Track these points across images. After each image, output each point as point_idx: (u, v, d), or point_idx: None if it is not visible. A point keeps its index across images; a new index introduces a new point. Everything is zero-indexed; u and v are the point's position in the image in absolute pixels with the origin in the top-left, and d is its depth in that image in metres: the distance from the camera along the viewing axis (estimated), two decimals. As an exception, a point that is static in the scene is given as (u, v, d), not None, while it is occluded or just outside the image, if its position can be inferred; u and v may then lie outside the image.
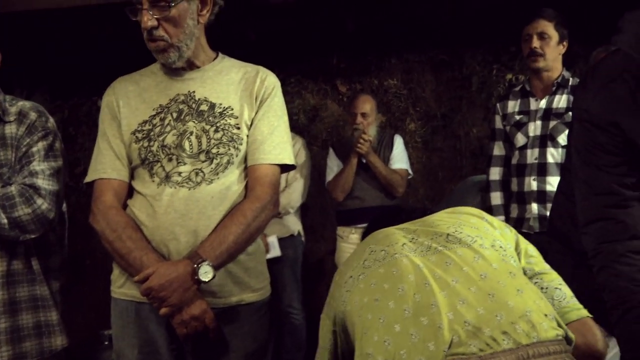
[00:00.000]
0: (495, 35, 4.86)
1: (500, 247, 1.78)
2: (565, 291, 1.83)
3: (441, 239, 1.78)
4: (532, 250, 1.90)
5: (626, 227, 1.87)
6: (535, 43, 3.55)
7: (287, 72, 5.34)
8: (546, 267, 1.88)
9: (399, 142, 4.59)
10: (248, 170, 2.22)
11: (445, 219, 1.90)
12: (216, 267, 2.05)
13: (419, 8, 5.00)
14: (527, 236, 2.18)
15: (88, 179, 2.26)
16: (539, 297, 1.64)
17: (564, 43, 3.61)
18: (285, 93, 2.36)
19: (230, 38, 4.14)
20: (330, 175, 4.58)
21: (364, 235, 2.10)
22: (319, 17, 5.02)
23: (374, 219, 2.15)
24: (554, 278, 1.85)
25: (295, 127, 5.30)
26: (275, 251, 4.44)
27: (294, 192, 4.57)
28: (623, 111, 1.91)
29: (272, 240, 4.45)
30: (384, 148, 4.55)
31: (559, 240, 2.40)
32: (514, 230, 1.94)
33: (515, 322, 1.55)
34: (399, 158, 4.54)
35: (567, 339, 1.64)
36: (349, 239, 4.50)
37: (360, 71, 5.45)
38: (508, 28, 3.71)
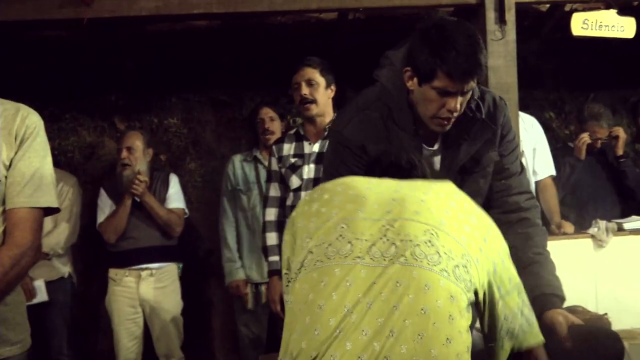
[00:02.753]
0: (274, 79, 5.01)
1: (464, 267, 1.69)
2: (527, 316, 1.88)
3: (409, 248, 1.66)
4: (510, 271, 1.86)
5: None
6: (305, 90, 3.69)
7: (61, 108, 5.12)
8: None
9: (174, 182, 4.56)
10: (6, 215, 2.08)
11: (434, 209, 1.76)
12: None
13: (201, 48, 5.06)
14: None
15: None
16: (465, 350, 1.60)
17: (332, 87, 3.78)
18: (59, 129, 2.26)
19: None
20: (101, 217, 4.43)
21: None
22: (97, 54, 4.91)
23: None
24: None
25: (70, 165, 5.10)
26: (42, 296, 4.20)
27: (63, 232, 4.38)
28: (371, 135, 2.14)
29: (39, 284, 4.22)
30: (160, 187, 4.49)
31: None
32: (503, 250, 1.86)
33: None
34: (176, 197, 4.51)
35: None
36: (122, 281, 4.37)
37: (139, 109, 5.36)
38: (287, 73, 3.84)
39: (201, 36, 4.85)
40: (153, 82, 5.26)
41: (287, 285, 1.81)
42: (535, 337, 1.88)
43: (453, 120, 2.15)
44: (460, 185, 2.18)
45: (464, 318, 1.62)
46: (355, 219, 1.72)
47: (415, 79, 2.13)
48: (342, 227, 1.70)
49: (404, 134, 2.20)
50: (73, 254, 4.64)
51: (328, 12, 4.45)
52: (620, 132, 4.60)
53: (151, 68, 5.19)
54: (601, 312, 2.16)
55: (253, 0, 3.85)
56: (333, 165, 2.26)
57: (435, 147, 2.26)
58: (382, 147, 2.16)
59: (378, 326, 1.54)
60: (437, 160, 2.26)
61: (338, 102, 3.86)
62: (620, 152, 4.58)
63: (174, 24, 4.71)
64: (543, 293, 2.15)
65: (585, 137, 4.53)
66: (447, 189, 1.84)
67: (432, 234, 1.68)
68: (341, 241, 1.68)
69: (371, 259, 1.64)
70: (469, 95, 2.14)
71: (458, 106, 2.10)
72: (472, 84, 2.09)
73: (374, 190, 1.79)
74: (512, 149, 2.33)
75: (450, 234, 1.70)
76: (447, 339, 1.56)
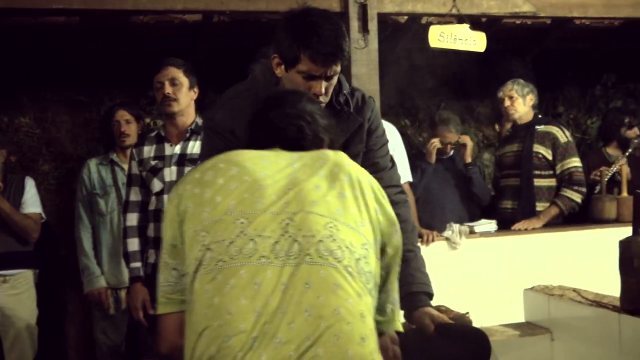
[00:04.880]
0: (135, 79, 4.89)
1: (365, 259, 1.68)
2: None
3: (312, 245, 1.61)
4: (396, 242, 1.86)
5: None
6: (168, 89, 3.63)
7: None
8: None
9: (30, 185, 4.35)
10: None
11: (330, 196, 1.71)
12: None
13: (57, 45, 4.85)
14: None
15: None
16: (376, 347, 1.60)
17: (195, 89, 3.74)
18: None
19: None
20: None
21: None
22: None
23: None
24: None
25: None
26: None
27: None
28: (240, 121, 2.16)
29: None
30: (14, 191, 4.27)
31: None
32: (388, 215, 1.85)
33: None
34: (32, 202, 4.30)
35: None
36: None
37: (-13, 107, 5.08)
38: (148, 73, 3.76)
39: (58, 32, 4.65)
40: (3, 78, 4.99)
41: (169, 274, 1.74)
42: (399, 324, 1.92)
43: (322, 105, 2.21)
44: None
45: (371, 314, 1.63)
46: (255, 212, 1.65)
47: (282, 66, 2.19)
48: (242, 223, 1.62)
49: None
50: None
51: (193, 13, 4.41)
52: (468, 140, 4.86)
53: (1, 63, 4.92)
54: (462, 311, 2.26)
55: (116, -2, 3.76)
56: (205, 153, 2.28)
57: None
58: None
59: (292, 332, 1.51)
60: None
61: (200, 105, 3.84)
62: (468, 159, 4.83)
63: (28, 18, 4.48)
64: (412, 291, 2.23)
65: (435, 142, 4.77)
66: (339, 161, 1.80)
67: (332, 227, 1.65)
68: (243, 238, 1.61)
69: (276, 258, 1.59)
70: (334, 81, 2.23)
71: (323, 90, 2.18)
72: (336, 68, 2.18)
73: (270, 176, 1.72)
74: (382, 144, 2.42)
75: (349, 224, 1.67)
76: (362, 338, 1.55)
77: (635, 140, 5.15)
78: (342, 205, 1.69)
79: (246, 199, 1.67)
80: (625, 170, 4.78)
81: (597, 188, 4.80)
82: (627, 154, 5.02)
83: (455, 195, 4.87)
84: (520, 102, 4.65)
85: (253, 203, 1.66)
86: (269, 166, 1.75)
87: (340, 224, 1.66)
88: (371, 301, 1.65)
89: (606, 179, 4.77)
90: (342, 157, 1.83)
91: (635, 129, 5.23)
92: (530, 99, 4.69)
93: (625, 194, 4.71)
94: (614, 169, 4.85)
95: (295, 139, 1.87)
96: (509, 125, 5.15)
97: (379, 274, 1.74)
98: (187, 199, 1.72)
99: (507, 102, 4.67)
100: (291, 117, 1.88)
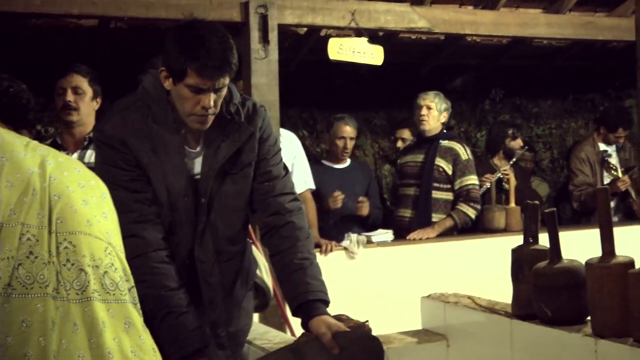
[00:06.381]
0: (27, 84, 4.72)
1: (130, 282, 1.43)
2: None
3: (98, 277, 1.34)
4: None
5: (147, 241, 2.17)
6: (70, 97, 3.53)
7: None
8: None
9: None
10: None
11: (96, 212, 1.41)
12: None
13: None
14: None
15: None
16: None
17: (98, 100, 3.65)
18: None
19: None
20: None
21: None
22: None
23: None
24: None
25: None
26: None
27: None
28: (132, 132, 2.18)
29: None
30: None
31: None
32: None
33: None
34: None
35: None
36: None
37: None
38: (41, 78, 3.64)
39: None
40: None
41: None
42: None
43: (211, 118, 2.21)
44: (221, 185, 2.29)
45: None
46: (31, 226, 1.30)
47: (170, 79, 2.17)
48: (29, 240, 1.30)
49: (165, 133, 2.23)
50: None
51: (89, 18, 4.30)
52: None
53: None
54: (362, 320, 2.30)
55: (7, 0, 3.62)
56: (100, 167, 2.23)
57: (198, 148, 2.31)
58: (140, 142, 2.20)
59: None
60: (198, 161, 2.30)
61: (99, 115, 3.75)
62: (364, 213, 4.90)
63: None
64: (309, 300, 2.25)
65: None
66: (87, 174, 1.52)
67: (110, 253, 1.39)
68: (27, 262, 1.28)
69: (55, 290, 1.29)
70: (223, 93, 2.22)
71: (212, 103, 2.16)
72: (224, 81, 2.17)
73: (36, 180, 1.35)
74: (274, 153, 2.43)
75: (116, 246, 1.43)
76: None
77: (519, 151, 5.41)
78: (109, 222, 1.45)
79: (24, 211, 1.33)
80: (513, 182, 5.00)
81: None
82: (511, 162, 5.27)
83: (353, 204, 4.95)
84: (435, 115, 4.75)
85: (33, 217, 1.34)
86: (31, 161, 1.39)
87: (113, 248, 1.42)
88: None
89: (488, 185, 4.97)
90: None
91: (519, 140, 5.51)
92: (444, 116, 4.80)
93: (513, 204, 4.92)
94: (497, 176, 5.07)
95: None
96: (404, 134, 5.31)
97: None
98: None
99: (424, 111, 4.74)
100: None
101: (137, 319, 1.39)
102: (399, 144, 5.49)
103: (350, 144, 4.91)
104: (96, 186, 1.49)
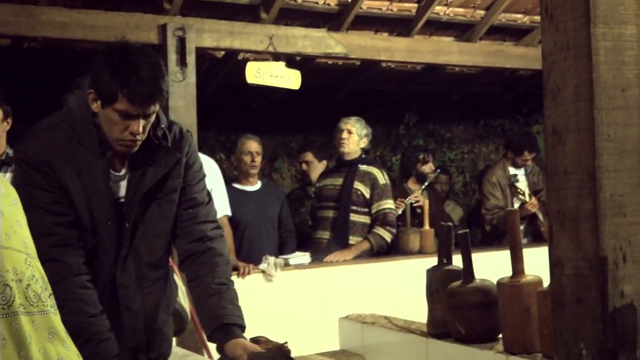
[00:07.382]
0: None
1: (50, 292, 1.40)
2: None
3: (22, 290, 1.29)
4: None
5: (68, 266, 2.11)
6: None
7: None
8: None
9: None
10: None
11: (13, 223, 1.37)
12: None
13: None
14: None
15: None
16: None
17: (9, 120, 3.56)
18: None
19: None
20: None
21: None
22: None
23: None
24: None
25: None
26: None
27: None
28: (56, 154, 2.14)
29: None
30: None
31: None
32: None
33: None
34: None
35: None
36: None
37: None
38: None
39: None
40: None
41: None
42: None
43: (138, 143, 2.19)
44: (146, 210, 2.25)
45: None
46: None
47: (98, 102, 2.15)
48: None
49: (90, 155, 2.20)
50: None
51: (2, 38, 4.20)
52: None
53: None
54: (281, 341, 2.32)
55: None
56: (22, 188, 2.16)
57: (123, 172, 2.28)
58: (65, 164, 2.16)
59: None
60: (123, 185, 2.28)
61: (10, 134, 3.65)
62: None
63: None
64: (224, 323, 2.25)
65: None
66: None
67: (30, 265, 1.36)
68: None
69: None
70: (152, 119, 2.20)
71: (140, 129, 2.14)
72: (154, 108, 2.16)
73: None
74: (199, 179, 2.43)
75: (33, 255, 1.39)
76: None
77: (431, 175, 5.55)
78: (24, 233, 1.41)
79: None
80: (426, 205, 5.12)
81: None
82: (423, 187, 5.40)
83: (272, 226, 4.98)
84: (355, 140, 4.82)
85: None
86: None
87: (32, 259, 1.39)
88: None
89: (401, 210, 5.08)
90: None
91: (430, 164, 5.65)
92: (364, 142, 4.87)
93: (427, 227, 5.04)
94: (410, 200, 5.18)
95: None
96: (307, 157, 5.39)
97: None
98: None
99: (345, 135, 4.81)
100: None
101: (60, 327, 1.38)
102: (304, 167, 5.54)
103: (258, 159, 4.90)
104: (7, 193, 1.43)
